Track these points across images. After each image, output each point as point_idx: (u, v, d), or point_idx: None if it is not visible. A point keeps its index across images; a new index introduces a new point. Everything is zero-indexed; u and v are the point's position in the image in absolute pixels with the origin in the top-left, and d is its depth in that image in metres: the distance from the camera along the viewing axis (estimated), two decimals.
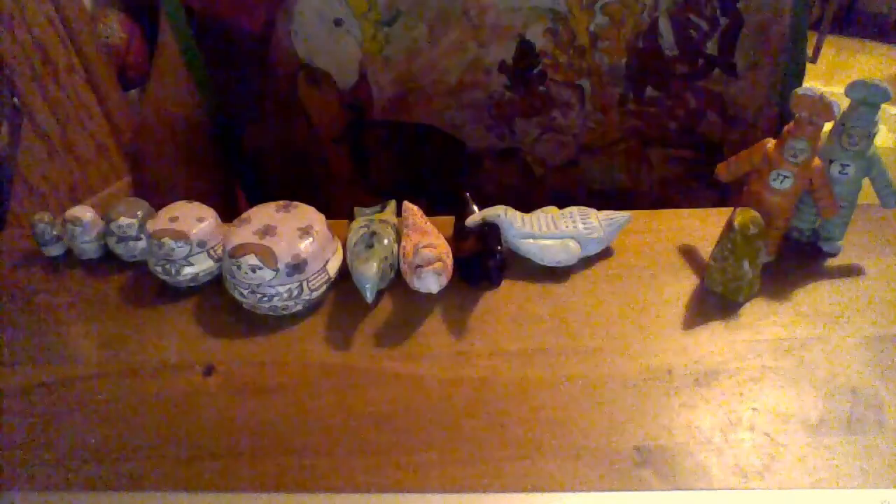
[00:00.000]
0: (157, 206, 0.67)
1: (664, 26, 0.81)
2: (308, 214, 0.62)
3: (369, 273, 0.57)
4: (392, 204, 0.70)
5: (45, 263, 0.70)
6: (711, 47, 0.83)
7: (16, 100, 1.12)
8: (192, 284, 0.64)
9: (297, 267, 0.58)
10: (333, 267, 0.62)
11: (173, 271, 0.62)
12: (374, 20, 0.82)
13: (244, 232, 0.59)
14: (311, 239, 0.59)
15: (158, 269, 0.63)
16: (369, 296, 0.57)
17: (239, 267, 0.57)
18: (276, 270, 0.57)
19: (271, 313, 0.60)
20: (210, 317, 0.62)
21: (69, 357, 0.59)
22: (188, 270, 0.62)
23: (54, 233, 0.69)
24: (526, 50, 0.83)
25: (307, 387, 0.55)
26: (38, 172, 1.26)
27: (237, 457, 0.49)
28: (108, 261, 0.69)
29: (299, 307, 0.61)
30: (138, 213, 0.67)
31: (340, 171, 0.92)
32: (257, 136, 0.97)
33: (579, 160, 0.92)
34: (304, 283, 0.59)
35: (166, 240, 0.61)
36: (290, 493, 0.47)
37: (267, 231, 0.59)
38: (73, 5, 1.27)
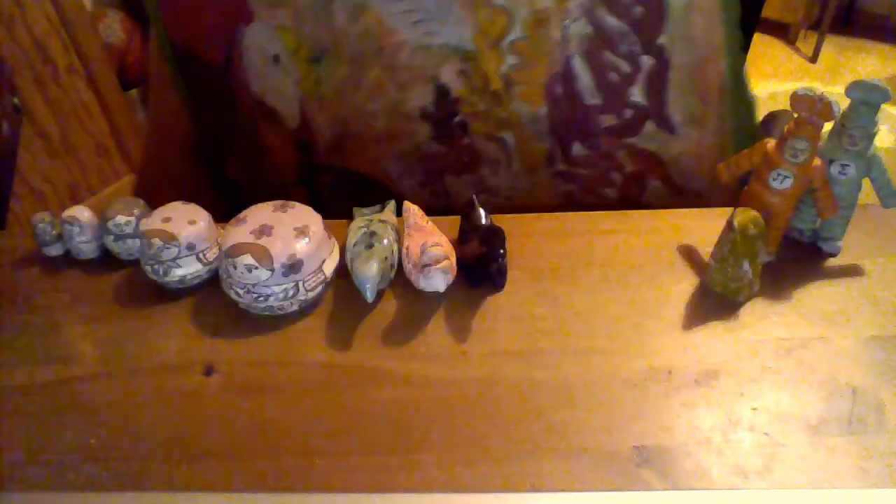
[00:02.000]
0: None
1: (580, 67, 0.75)
2: (305, 215, 0.62)
3: (370, 273, 0.57)
4: (391, 204, 0.70)
5: (45, 263, 0.70)
6: (639, 95, 0.76)
7: (16, 100, 1.12)
8: (179, 286, 0.64)
9: (293, 267, 0.58)
10: (330, 267, 0.62)
11: (161, 272, 0.62)
12: (305, 58, 0.81)
13: (241, 231, 0.59)
14: (307, 239, 0.59)
15: (148, 268, 0.63)
16: (370, 295, 0.57)
17: (235, 266, 0.57)
18: (272, 270, 0.57)
19: (267, 313, 0.60)
20: (210, 317, 0.62)
21: (69, 357, 0.59)
22: (176, 272, 0.62)
23: (54, 233, 0.69)
24: (443, 94, 0.80)
25: (307, 387, 0.55)
26: (38, 172, 1.26)
27: (237, 457, 0.49)
28: (108, 260, 0.69)
29: (295, 307, 0.61)
30: (135, 211, 0.67)
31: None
32: (235, 169, 0.97)
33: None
34: (300, 284, 0.59)
35: (155, 240, 0.61)
36: (290, 493, 0.47)
37: (263, 231, 0.59)
38: (73, 5, 1.27)
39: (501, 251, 0.62)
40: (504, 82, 0.78)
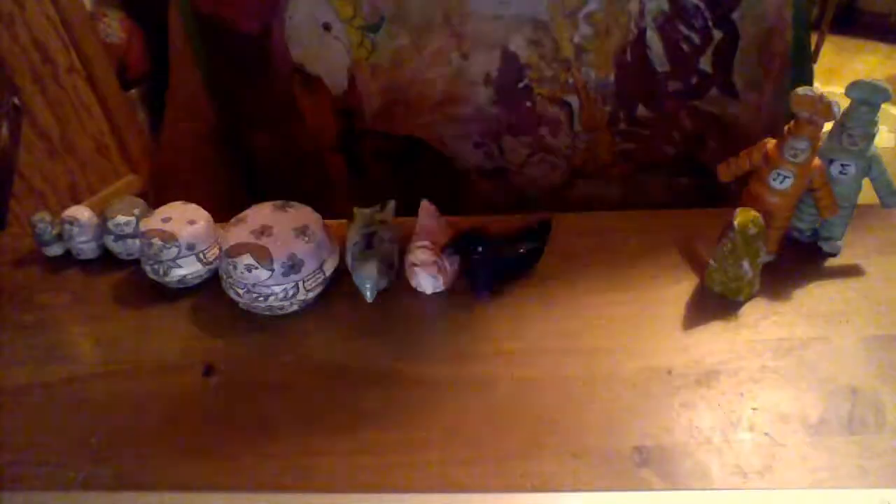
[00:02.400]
0: None
1: (653, 38, 0.79)
2: (305, 214, 0.62)
3: (370, 273, 0.57)
4: (391, 204, 0.70)
5: (45, 263, 0.70)
6: (706, 63, 0.80)
7: (16, 100, 1.12)
8: (180, 286, 0.64)
9: (293, 267, 0.58)
10: (330, 267, 0.62)
11: (161, 272, 0.62)
12: (360, 26, 0.82)
13: (241, 231, 0.59)
14: (307, 239, 0.59)
15: (148, 268, 0.63)
16: (370, 295, 0.57)
17: (235, 266, 0.57)
18: (272, 270, 0.57)
19: (267, 313, 0.60)
20: (210, 317, 0.62)
21: (69, 357, 0.59)
22: (176, 272, 0.62)
23: (54, 232, 0.69)
24: (510, 62, 0.81)
25: (307, 387, 0.55)
26: (38, 172, 1.26)
27: (237, 457, 0.49)
28: (107, 260, 0.69)
29: (295, 307, 0.61)
30: (135, 210, 0.67)
31: (339, 179, 0.92)
32: (264, 140, 0.97)
33: (571, 185, 0.91)
34: (300, 284, 0.59)
35: (155, 240, 0.61)
36: (290, 493, 0.47)
37: (263, 231, 0.59)
38: (73, 5, 1.27)
39: (476, 256, 0.59)
40: (575, 50, 0.80)
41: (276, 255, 0.57)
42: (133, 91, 1.54)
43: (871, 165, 0.61)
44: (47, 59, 1.23)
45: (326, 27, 0.84)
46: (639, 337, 0.57)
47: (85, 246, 0.68)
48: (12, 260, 0.71)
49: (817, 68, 2.52)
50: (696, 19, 0.77)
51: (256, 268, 0.56)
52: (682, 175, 0.88)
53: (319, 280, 0.60)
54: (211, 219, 0.65)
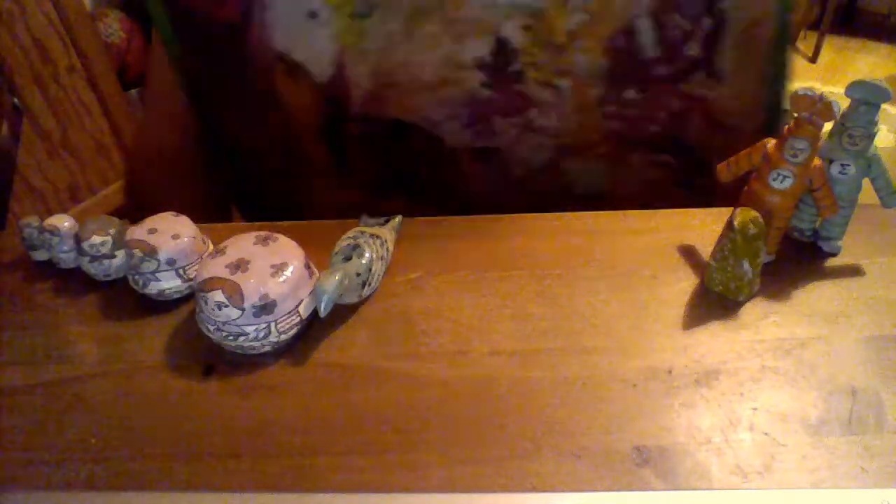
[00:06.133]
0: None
1: (644, 25, 0.79)
2: (287, 250, 0.58)
3: (326, 285, 0.54)
4: (396, 220, 0.69)
5: (44, 263, 0.70)
6: (694, 49, 0.81)
7: (16, 100, 1.12)
8: (160, 299, 0.63)
9: (265, 308, 0.54)
10: (307, 309, 0.58)
11: (141, 283, 0.61)
12: (350, 13, 0.81)
13: (217, 264, 0.56)
14: (283, 278, 0.55)
15: (130, 279, 0.62)
16: (323, 309, 0.55)
17: (206, 302, 0.54)
18: (242, 310, 0.54)
19: (238, 352, 0.58)
20: None
21: (69, 357, 0.59)
22: (154, 286, 0.61)
23: (41, 238, 0.68)
24: (503, 46, 0.81)
25: (307, 387, 0.55)
26: (38, 172, 1.26)
27: (237, 457, 0.49)
28: None
29: (267, 349, 0.57)
30: (111, 230, 0.64)
31: (321, 165, 0.91)
32: (243, 133, 0.96)
33: (559, 162, 0.91)
34: (272, 325, 0.55)
35: (136, 251, 0.59)
36: (290, 493, 0.47)
37: (239, 265, 0.56)
38: (73, 5, 1.27)
39: None
40: (568, 37, 0.79)
41: (248, 293, 0.54)
42: (133, 91, 1.54)
43: (871, 165, 0.61)
44: (47, 59, 1.23)
45: (312, 15, 0.82)
46: (639, 337, 0.57)
47: (65, 255, 0.67)
48: (11, 259, 0.71)
49: (817, 68, 2.52)
50: (687, 7, 0.78)
51: (227, 305, 0.54)
52: (665, 153, 0.89)
53: (294, 322, 0.57)
54: (198, 234, 0.63)
